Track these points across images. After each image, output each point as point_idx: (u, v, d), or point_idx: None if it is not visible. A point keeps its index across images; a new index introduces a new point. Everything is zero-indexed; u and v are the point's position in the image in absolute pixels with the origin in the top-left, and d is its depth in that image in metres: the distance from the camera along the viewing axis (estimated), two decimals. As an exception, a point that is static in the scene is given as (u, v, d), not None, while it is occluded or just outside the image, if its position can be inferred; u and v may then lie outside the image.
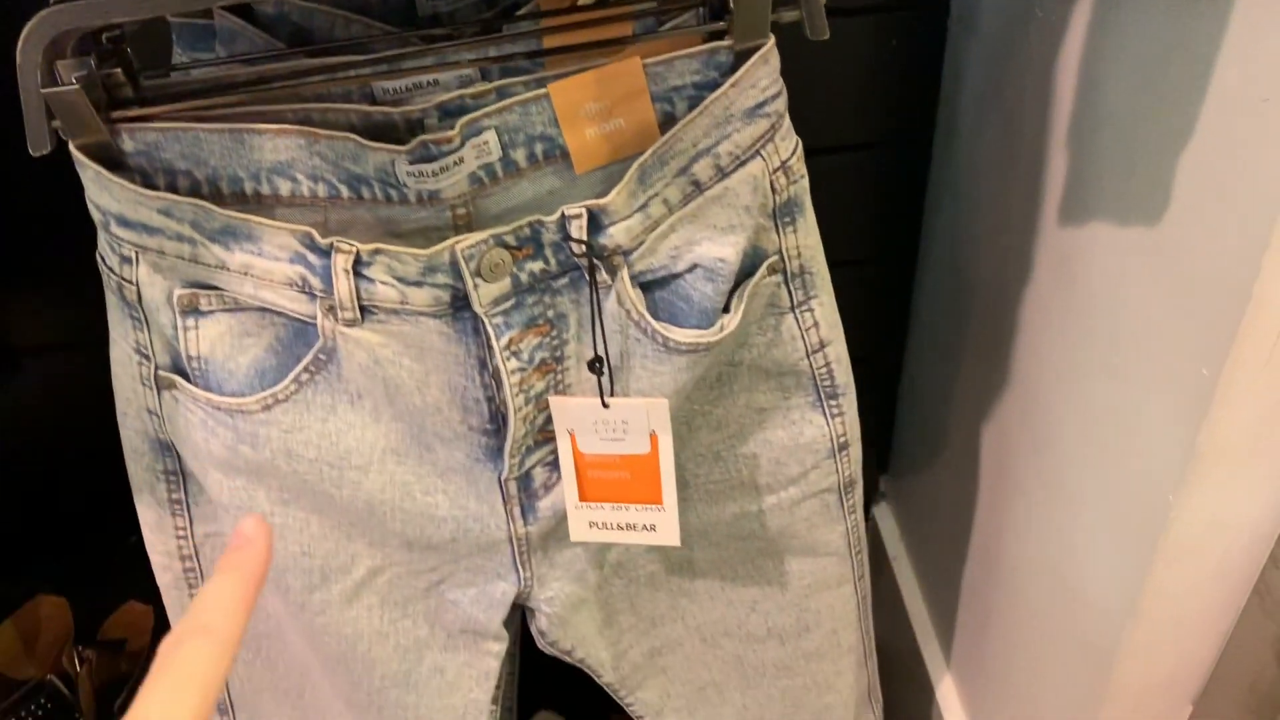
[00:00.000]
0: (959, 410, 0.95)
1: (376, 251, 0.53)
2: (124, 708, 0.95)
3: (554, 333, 0.59)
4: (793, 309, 0.63)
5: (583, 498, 0.65)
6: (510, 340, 0.57)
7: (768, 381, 0.66)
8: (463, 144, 0.53)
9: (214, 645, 0.33)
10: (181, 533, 0.67)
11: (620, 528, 0.66)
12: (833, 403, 0.68)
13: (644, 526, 0.65)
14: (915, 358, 1.06)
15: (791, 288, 0.62)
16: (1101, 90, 0.64)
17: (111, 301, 0.57)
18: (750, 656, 0.81)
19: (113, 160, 0.52)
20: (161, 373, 0.59)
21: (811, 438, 0.69)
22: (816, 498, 0.72)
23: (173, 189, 0.53)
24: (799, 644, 0.80)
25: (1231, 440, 0.57)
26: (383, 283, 0.54)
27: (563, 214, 0.54)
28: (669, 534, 0.65)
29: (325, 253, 0.53)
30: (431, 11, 0.62)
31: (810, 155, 0.60)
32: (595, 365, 0.59)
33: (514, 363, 0.58)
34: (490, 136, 0.53)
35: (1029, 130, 0.74)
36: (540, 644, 0.73)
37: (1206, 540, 0.62)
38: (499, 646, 0.73)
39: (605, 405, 0.60)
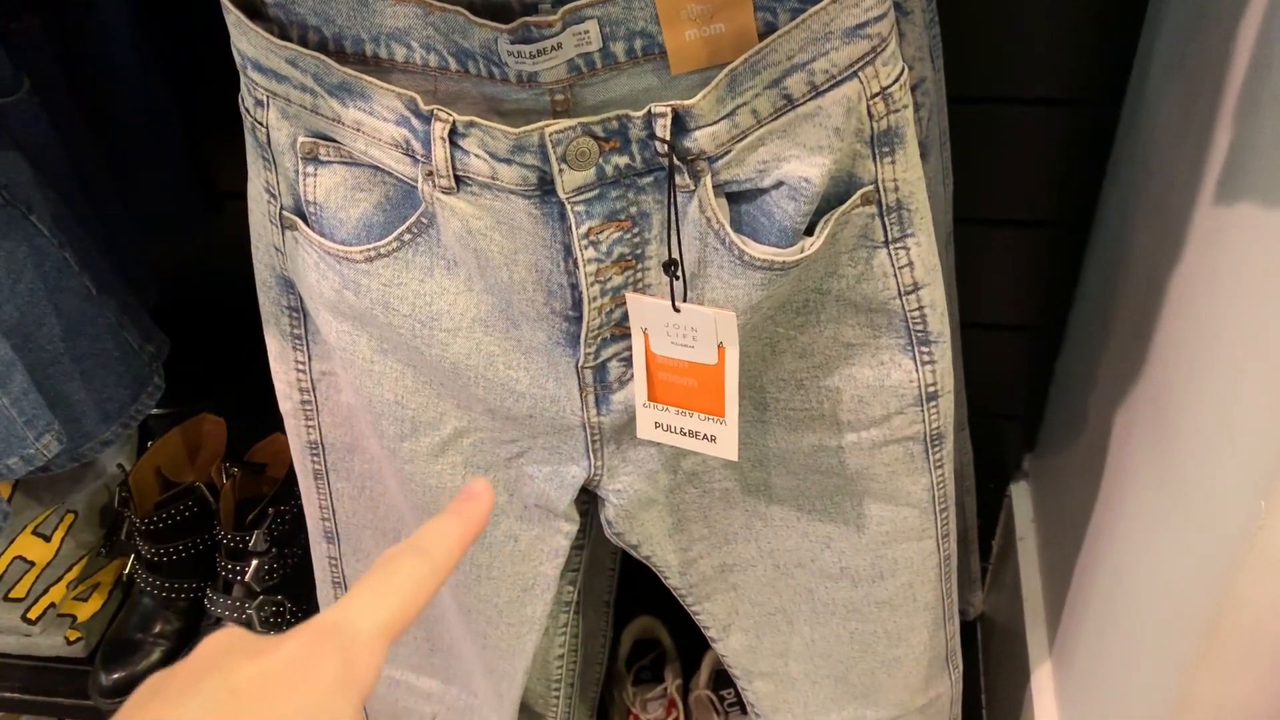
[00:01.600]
0: (1101, 393, 0.90)
1: (471, 124, 0.56)
2: (255, 523, 1.06)
3: (635, 230, 0.60)
4: (886, 244, 0.62)
5: (651, 397, 0.66)
6: (590, 229, 0.59)
7: (857, 316, 0.66)
8: (563, 30, 0.55)
9: (426, 563, 0.36)
10: (301, 366, 0.74)
11: (683, 433, 0.67)
12: (924, 349, 0.67)
13: (705, 436, 0.67)
14: (1076, 333, 1.01)
15: (886, 221, 0.61)
16: (1272, 69, 0.59)
17: (248, 141, 0.63)
18: (821, 592, 0.81)
19: (253, 9, 0.57)
20: (285, 213, 0.64)
21: (898, 381, 0.68)
22: (899, 444, 0.71)
23: (303, 42, 0.58)
24: (872, 590, 0.80)
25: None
26: (475, 155, 0.57)
27: (649, 111, 0.55)
28: (728, 447, 0.66)
29: (426, 119, 0.57)
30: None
31: (995, 103, 0.58)
32: (670, 268, 0.60)
33: (591, 252, 0.60)
34: (591, 26, 0.55)
35: (1202, 103, 0.69)
36: (607, 533, 0.76)
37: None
38: (570, 527, 0.76)
39: (676, 309, 0.62)
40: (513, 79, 0.57)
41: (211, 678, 0.29)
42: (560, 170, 0.57)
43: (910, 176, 0.60)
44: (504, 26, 0.55)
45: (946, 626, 0.85)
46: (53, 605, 1.15)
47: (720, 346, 0.62)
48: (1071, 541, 0.95)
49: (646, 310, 0.63)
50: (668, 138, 0.56)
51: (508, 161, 0.57)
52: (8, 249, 0.84)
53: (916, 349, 0.67)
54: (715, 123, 0.56)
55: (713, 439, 0.66)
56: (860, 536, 0.77)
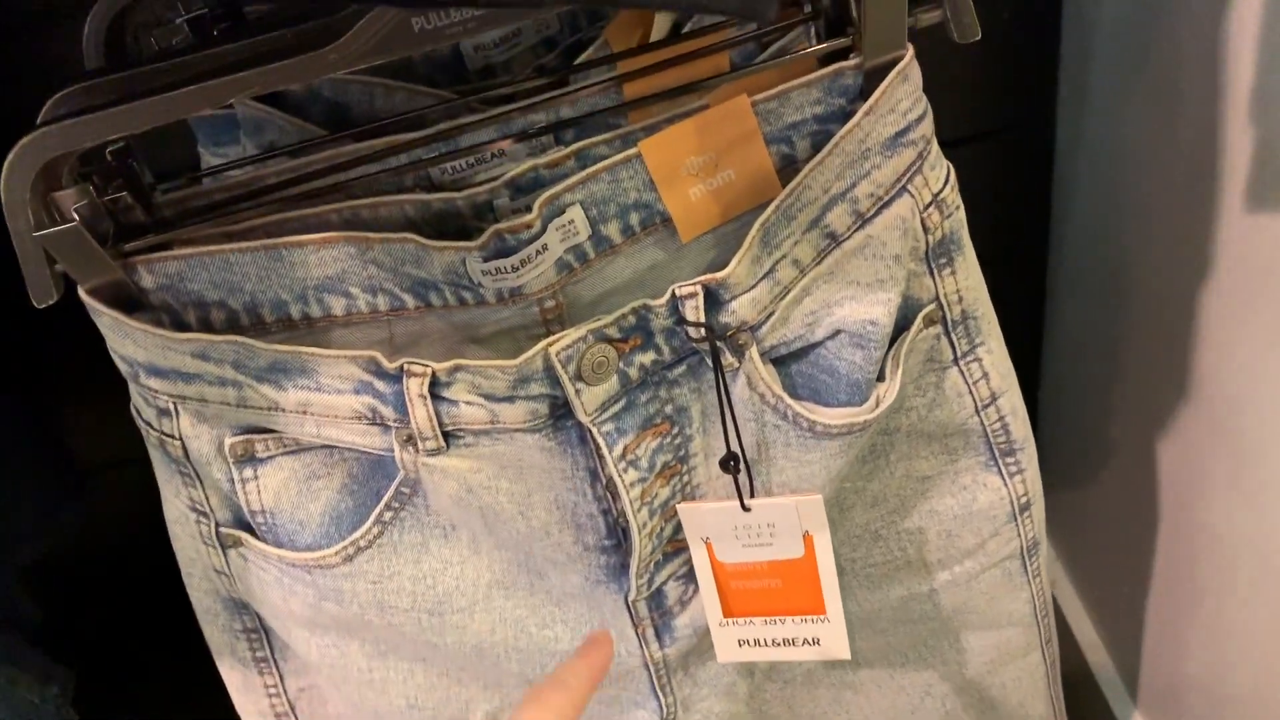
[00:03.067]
0: (1127, 417, 0.82)
1: (456, 369, 0.44)
2: None
3: (675, 430, 0.49)
4: (956, 361, 0.52)
5: (727, 613, 0.55)
6: (625, 448, 0.47)
7: (930, 446, 0.56)
8: (544, 228, 0.43)
9: (567, 695, 0.42)
10: (273, 690, 0.58)
11: (776, 644, 0.55)
12: (1009, 460, 0.57)
13: (805, 641, 0.55)
14: (1058, 365, 0.94)
15: (954, 338, 0.51)
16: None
17: (156, 458, 0.49)
18: (928, 742, 0.70)
19: (131, 301, 0.43)
20: (224, 530, 0.50)
21: (987, 503, 0.58)
22: (997, 567, 0.61)
23: (206, 324, 0.44)
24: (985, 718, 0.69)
25: None
26: (467, 403, 0.44)
27: (673, 294, 0.44)
28: (836, 646, 0.55)
29: (395, 378, 0.44)
30: (483, 64, 0.52)
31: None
32: (729, 464, 0.49)
33: (632, 474, 0.48)
34: (576, 214, 0.44)
35: (1190, 99, 0.62)
36: (692, 768, 0.63)
37: None
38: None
39: (745, 508, 0.50)
40: (491, 299, 0.45)
41: None
42: (577, 391, 0.45)
43: (972, 282, 0.50)
44: (470, 244, 0.43)
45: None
46: None
47: (806, 535, 0.51)
48: (1129, 576, 0.87)
49: (705, 519, 0.51)
50: (702, 319, 0.44)
51: (509, 400, 0.45)
52: None
53: (1001, 462, 0.57)
54: (753, 287, 0.45)
55: (815, 642, 0.55)
56: (963, 674, 0.67)
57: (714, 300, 0.44)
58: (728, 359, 0.46)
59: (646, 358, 0.46)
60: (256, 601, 0.53)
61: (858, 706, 0.68)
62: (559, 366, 0.44)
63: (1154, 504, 0.80)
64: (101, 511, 0.88)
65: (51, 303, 0.42)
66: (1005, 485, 0.58)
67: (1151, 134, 0.70)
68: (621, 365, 0.45)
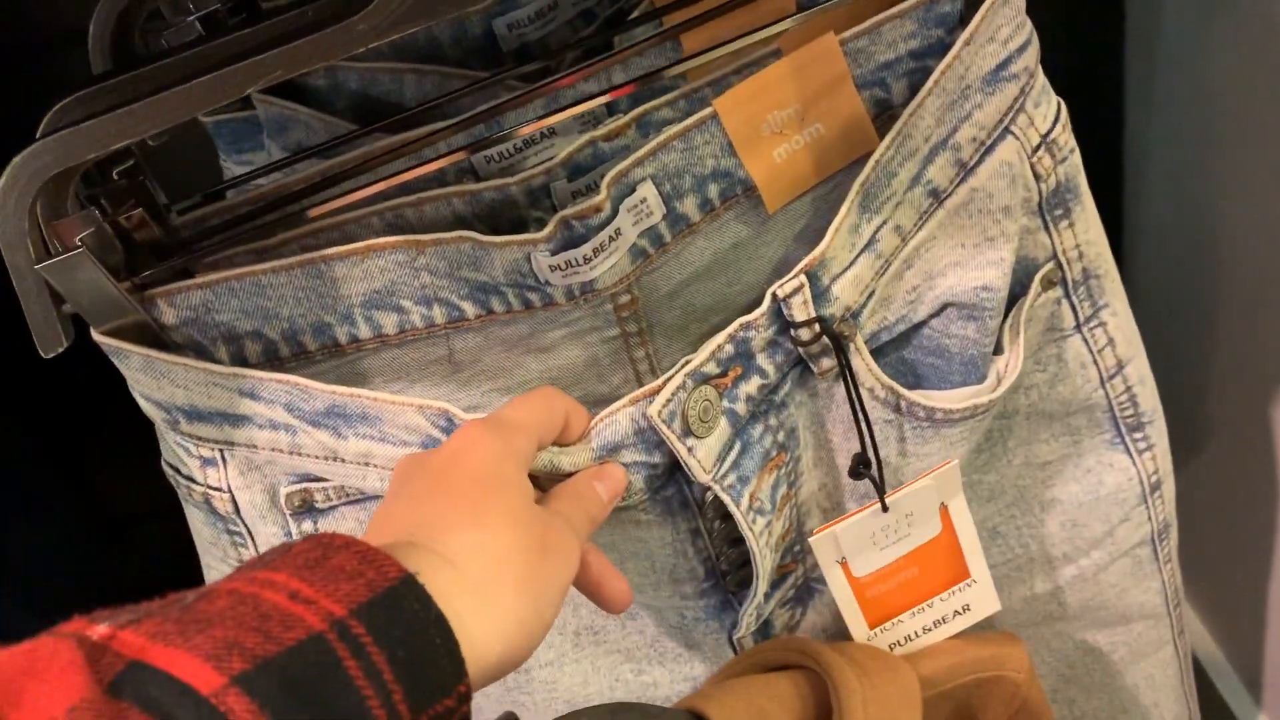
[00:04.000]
0: (1225, 392, 0.76)
1: (544, 451, 0.37)
2: None
3: (788, 457, 0.43)
4: (1079, 328, 0.47)
5: (872, 624, 0.49)
6: (750, 497, 0.41)
7: (1051, 427, 0.50)
8: (615, 210, 0.37)
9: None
10: None
11: (927, 630, 0.50)
12: (1137, 435, 0.51)
13: (955, 613, 0.50)
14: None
15: (1075, 300, 0.46)
16: None
17: (198, 520, 0.43)
18: (1058, 757, 0.64)
19: (154, 339, 0.38)
20: None
21: (1115, 485, 0.52)
22: (1126, 556, 0.55)
23: (240, 359, 0.39)
24: (1118, 728, 0.63)
25: None
26: (548, 475, 0.38)
27: (773, 296, 0.38)
28: (986, 604, 0.49)
29: None
30: (518, 43, 0.47)
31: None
32: (862, 469, 0.42)
33: (759, 522, 0.41)
34: (648, 190, 0.38)
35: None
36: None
37: None
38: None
39: (885, 508, 0.44)
40: (560, 298, 0.39)
41: (411, 477, 0.33)
42: (689, 449, 0.38)
43: (1093, 236, 0.44)
44: (535, 236, 0.37)
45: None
46: None
47: (942, 508, 0.45)
48: (1241, 579, 0.80)
49: (841, 537, 0.45)
50: (813, 314, 0.38)
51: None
52: None
53: (1129, 438, 0.51)
54: (853, 263, 0.39)
55: (966, 610, 0.49)
56: (1091, 675, 0.61)
57: (815, 288, 0.39)
58: (831, 361, 0.40)
59: (751, 386, 0.40)
60: None
61: (980, 725, 0.62)
62: (663, 427, 0.37)
63: (1267, 485, 0.74)
64: (136, 564, 0.83)
65: (61, 350, 0.37)
66: (1134, 464, 0.52)
67: (1232, 74, 0.64)
68: (726, 404, 0.39)
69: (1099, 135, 0.79)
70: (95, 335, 0.37)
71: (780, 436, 0.41)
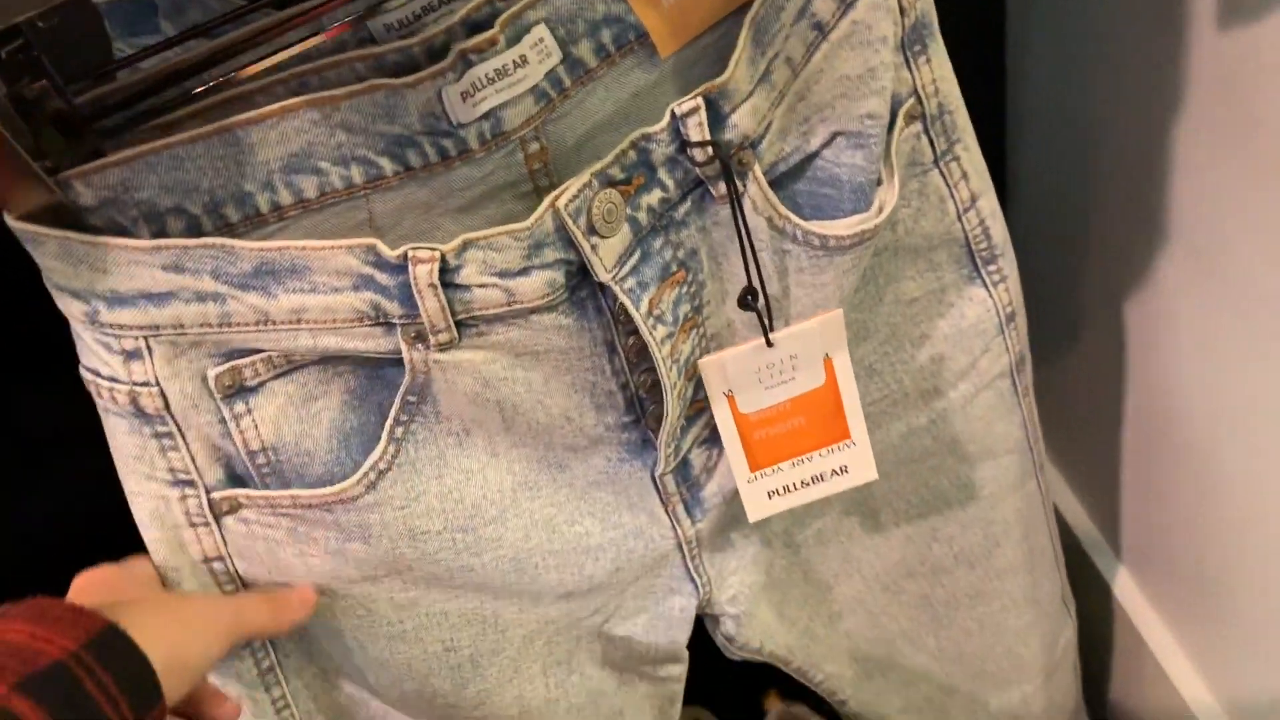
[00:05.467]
0: (1098, 275, 0.80)
1: (465, 246, 0.39)
2: None
3: (689, 277, 0.46)
4: (936, 162, 0.51)
5: (754, 467, 0.52)
6: (650, 303, 0.44)
7: (915, 263, 0.54)
8: (507, 46, 0.39)
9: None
10: (281, 702, 0.52)
11: (805, 484, 0.53)
12: (991, 268, 0.56)
13: (833, 472, 0.53)
14: (1019, 242, 0.92)
15: (933, 135, 0.50)
16: None
17: (120, 430, 0.42)
18: (939, 593, 0.70)
19: (72, 223, 0.37)
20: (215, 495, 0.44)
21: (975, 317, 0.57)
22: (989, 389, 0.61)
23: (163, 235, 0.39)
24: (990, 563, 0.69)
25: None
26: (480, 286, 0.40)
27: (673, 113, 0.41)
28: (864, 469, 0.53)
29: (399, 268, 0.39)
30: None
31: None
32: (750, 298, 0.46)
33: (660, 330, 0.44)
34: (542, 33, 0.40)
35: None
36: (728, 651, 0.61)
37: None
38: (679, 669, 0.61)
39: (770, 344, 0.47)
40: (474, 143, 0.40)
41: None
42: (593, 246, 0.41)
43: (946, 73, 0.49)
44: (440, 66, 0.39)
45: (1059, 567, 0.76)
46: None
47: (826, 359, 0.49)
48: (1106, 442, 0.86)
49: (729, 368, 0.48)
50: (708, 136, 0.41)
51: (524, 273, 0.41)
52: None
53: (983, 271, 0.56)
54: (751, 94, 0.42)
55: (843, 470, 0.53)
56: (967, 510, 0.66)
57: (715, 113, 0.41)
58: (732, 188, 0.44)
59: (653, 198, 0.43)
60: (265, 572, 0.47)
61: (866, 564, 0.67)
62: (569, 221, 0.40)
63: (1127, 362, 0.80)
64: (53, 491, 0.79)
65: (-24, 235, 0.36)
66: (991, 296, 0.57)
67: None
68: (630, 211, 0.42)
69: (984, 24, 0.82)
70: (10, 221, 0.36)
71: (680, 254, 0.45)
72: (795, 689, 0.96)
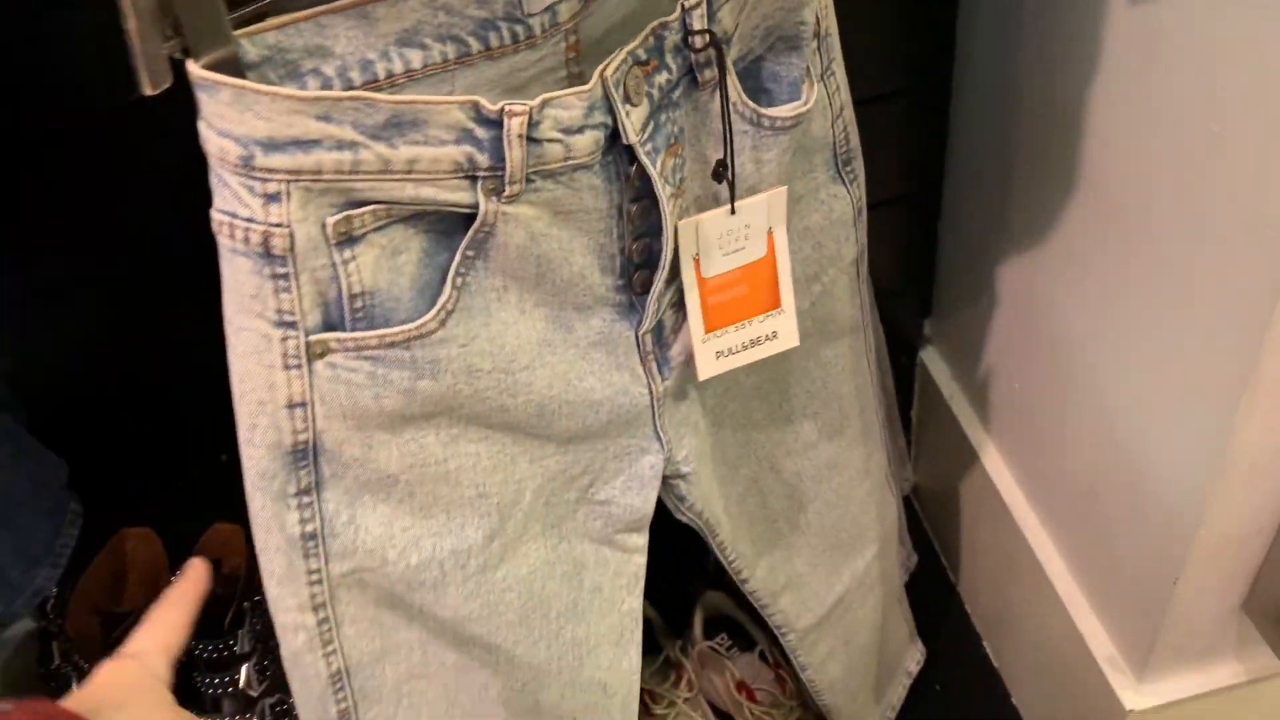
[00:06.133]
0: (1014, 233, 0.93)
1: (545, 104, 0.49)
2: (235, 624, 0.94)
3: (681, 150, 0.57)
4: (822, 75, 0.66)
5: (708, 329, 0.63)
6: (661, 166, 0.55)
7: (803, 163, 0.68)
8: None
9: (181, 610, 0.57)
10: (315, 577, 0.57)
11: (745, 347, 0.65)
12: (848, 169, 0.71)
13: (765, 337, 0.65)
14: (955, 194, 1.04)
15: (821, 52, 0.65)
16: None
17: (243, 270, 0.48)
18: (807, 467, 0.83)
19: (240, 75, 0.43)
20: (312, 337, 0.50)
21: (840, 211, 0.72)
22: (844, 273, 0.75)
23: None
24: (843, 435, 0.83)
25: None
26: (549, 140, 0.50)
27: (682, 6, 0.53)
28: (789, 336, 0.66)
29: (495, 122, 0.48)
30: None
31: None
32: (721, 170, 0.58)
33: (668, 189, 0.55)
34: None
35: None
36: (677, 512, 0.71)
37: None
38: (642, 540, 0.70)
39: (733, 211, 0.60)
40: (537, 31, 0.50)
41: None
42: (626, 113, 0.52)
43: (830, 3, 0.64)
44: None
45: (888, 442, 0.92)
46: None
47: (769, 233, 0.62)
48: (1010, 384, 1.01)
49: (702, 231, 0.60)
50: (708, 26, 0.54)
51: (580, 131, 0.51)
52: None
53: (841, 171, 0.71)
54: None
55: (774, 335, 0.65)
56: (827, 387, 0.80)
57: (710, 11, 0.54)
58: (709, 73, 0.56)
59: (661, 78, 0.54)
60: (341, 421, 0.52)
61: (759, 445, 0.79)
62: (612, 91, 0.51)
63: (1036, 300, 0.92)
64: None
65: (165, 88, 0.41)
66: (849, 193, 0.72)
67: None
68: (648, 87, 0.53)
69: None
70: (193, 69, 0.42)
71: (675, 128, 0.56)
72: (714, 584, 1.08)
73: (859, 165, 0.72)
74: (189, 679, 0.97)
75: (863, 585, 0.92)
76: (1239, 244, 0.65)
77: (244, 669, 0.96)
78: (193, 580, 0.58)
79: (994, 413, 1.07)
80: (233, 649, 0.96)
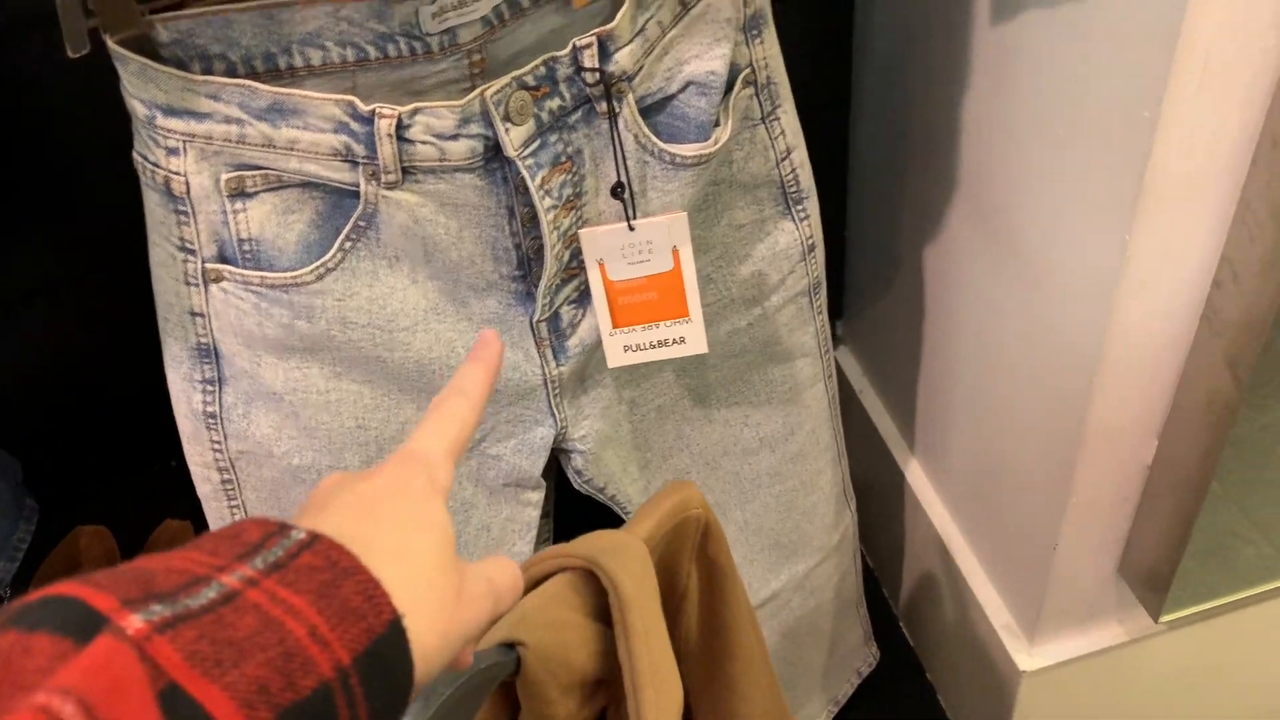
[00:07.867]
0: (908, 236, 1.00)
1: (415, 112, 0.57)
2: None
3: (574, 169, 0.64)
4: (764, 120, 0.70)
5: (616, 325, 0.70)
6: (542, 180, 0.61)
7: (745, 196, 0.73)
8: None
9: (466, 400, 0.43)
10: (217, 446, 0.69)
11: (652, 345, 0.71)
12: (799, 207, 0.76)
13: (674, 340, 0.71)
14: (858, 200, 1.11)
15: (761, 99, 0.69)
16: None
17: (153, 200, 0.59)
18: (746, 470, 0.88)
19: (149, 53, 0.54)
20: (208, 265, 0.61)
21: (786, 244, 0.76)
22: (793, 302, 0.80)
23: (208, 73, 0.55)
24: (786, 448, 0.88)
25: (1173, 172, 0.64)
26: (422, 142, 0.58)
27: (574, 45, 0.59)
28: (697, 342, 0.71)
29: (368, 119, 0.56)
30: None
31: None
32: (618, 190, 0.64)
33: (548, 201, 0.62)
34: None
35: None
36: (576, 484, 0.78)
37: (1159, 271, 0.70)
38: (538, 496, 0.77)
39: (631, 228, 0.66)
40: (435, 48, 0.58)
41: (339, 494, 0.36)
42: (506, 130, 0.59)
43: (774, 52, 0.68)
44: None
45: (841, 462, 0.95)
46: None
47: (674, 250, 0.67)
48: (912, 371, 1.06)
49: (600, 240, 0.66)
50: (597, 65, 0.60)
51: (454, 138, 0.58)
52: None
53: (792, 209, 0.75)
54: (631, 41, 0.60)
55: (682, 340, 0.71)
56: (771, 402, 0.85)
57: (603, 51, 0.60)
58: (610, 105, 0.62)
59: (554, 103, 0.61)
60: (231, 336, 0.63)
61: (694, 441, 0.85)
62: (492, 109, 0.58)
63: (927, 306, 0.99)
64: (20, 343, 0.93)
65: (85, 53, 0.52)
66: (797, 229, 0.76)
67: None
68: (536, 110, 0.60)
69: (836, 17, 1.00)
70: (109, 42, 0.53)
71: (569, 150, 0.62)
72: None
73: (812, 205, 0.76)
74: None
75: (802, 589, 0.97)
76: (1088, 240, 0.73)
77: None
78: (484, 359, 0.45)
79: (900, 405, 1.13)
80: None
